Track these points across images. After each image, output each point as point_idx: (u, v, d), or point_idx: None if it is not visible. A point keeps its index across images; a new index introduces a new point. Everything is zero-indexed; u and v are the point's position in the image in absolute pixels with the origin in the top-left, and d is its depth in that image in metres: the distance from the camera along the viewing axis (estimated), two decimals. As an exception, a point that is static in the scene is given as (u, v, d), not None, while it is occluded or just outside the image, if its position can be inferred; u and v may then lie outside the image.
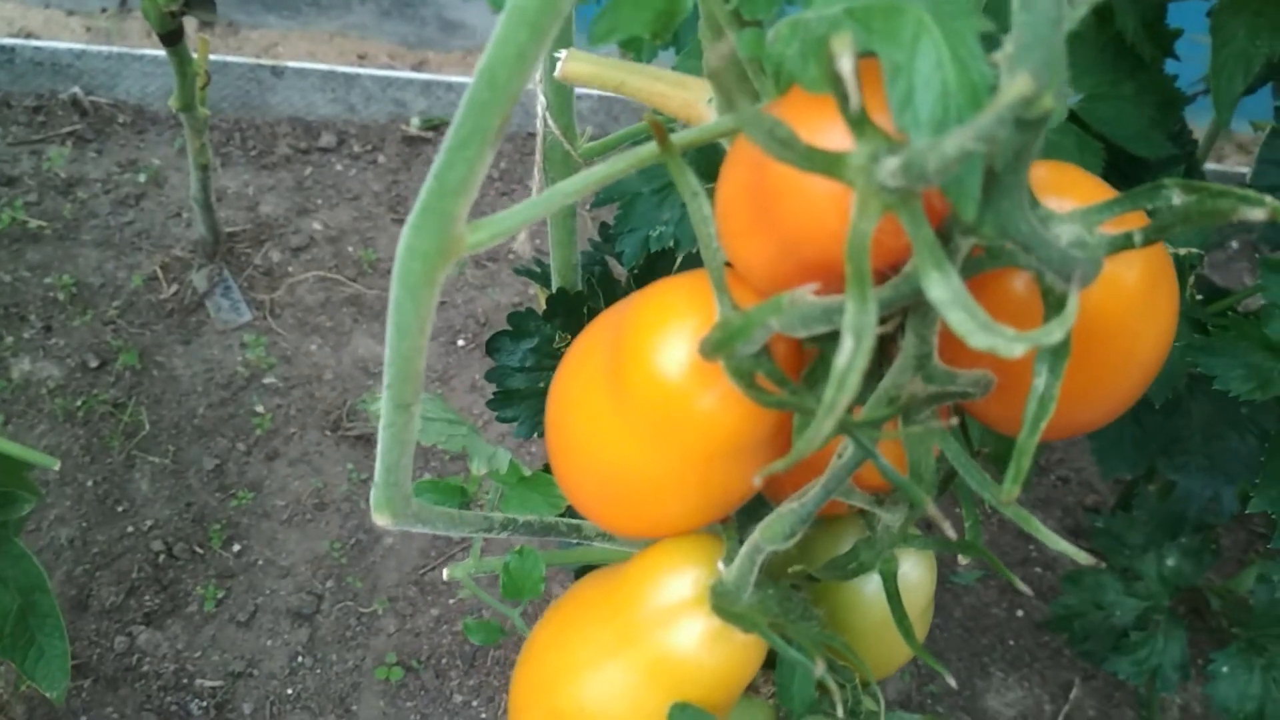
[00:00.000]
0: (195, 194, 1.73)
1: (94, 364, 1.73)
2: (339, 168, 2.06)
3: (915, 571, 0.45)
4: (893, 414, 0.34)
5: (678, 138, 0.34)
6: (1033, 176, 0.34)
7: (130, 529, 1.56)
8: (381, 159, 2.08)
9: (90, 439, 1.65)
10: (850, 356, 0.27)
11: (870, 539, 0.44)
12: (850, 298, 0.27)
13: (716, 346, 0.33)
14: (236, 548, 1.56)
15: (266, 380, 1.75)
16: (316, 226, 1.96)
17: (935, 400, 0.34)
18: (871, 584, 0.46)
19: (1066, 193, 0.34)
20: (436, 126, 2.11)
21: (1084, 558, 0.36)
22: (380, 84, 2.09)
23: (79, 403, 1.68)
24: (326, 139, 2.09)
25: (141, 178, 2.01)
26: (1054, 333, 0.26)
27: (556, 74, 0.44)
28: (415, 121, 2.11)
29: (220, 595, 1.50)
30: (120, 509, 1.58)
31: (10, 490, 0.91)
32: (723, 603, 0.38)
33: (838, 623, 0.47)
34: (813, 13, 0.27)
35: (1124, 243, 0.32)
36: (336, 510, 1.61)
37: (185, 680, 1.42)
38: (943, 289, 0.26)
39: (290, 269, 1.90)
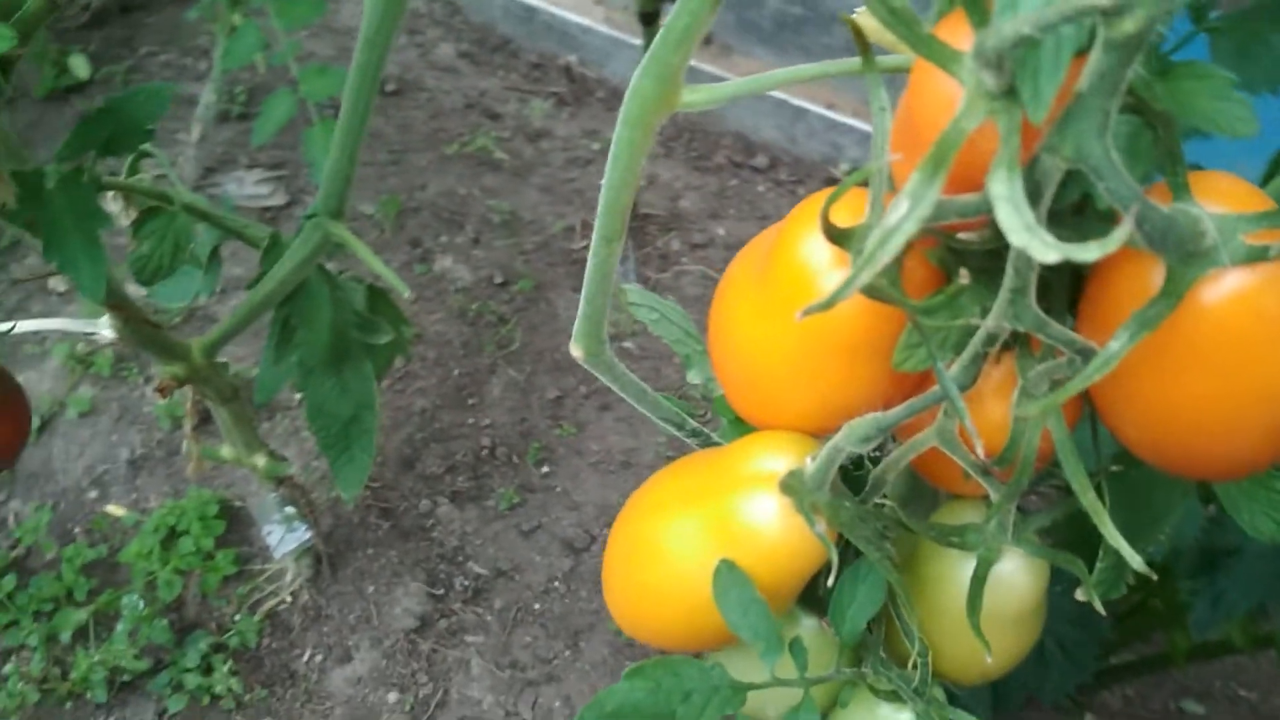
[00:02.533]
0: (628, 165, 1.92)
1: (498, 280, 1.97)
2: (760, 188, 2.20)
3: (1017, 575, 0.46)
4: (984, 350, 0.37)
5: (881, 60, 0.39)
6: (1195, 181, 0.35)
7: (470, 420, 1.77)
8: (802, 191, 2.19)
9: (471, 338, 1.89)
10: (900, 217, 0.30)
11: (984, 526, 0.45)
12: (920, 168, 0.30)
13: (850, 239, 0.37)
14: (545, 470, 1.71)
15: (625, 344, 1.90)
16: (720, 231, 2.10)
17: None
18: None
19: (1219, 198, 0.34)
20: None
21: (1139, 564, 0.36)
22: (824, 124, 2.19)
23: (474, 306, 1.92)
24: (760, 159, 2.23)
25: (595, 146, 2.26)
26: (1090, 250, 0.28)
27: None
28: (844, 167, 2.19)
29: (516, 502, 1.66)
30: (470, 402, 1.80)
31: (379, 321, 1.09)
32: (794, 488, 0.42)
33: (928, 606, 0.48)
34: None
35: (1257, 254, 0.33)
36: (636, 473, 1.72)
37: (460, 558, 1.59)
38: (1002, 185, 0.29)
39: (684, 260, 2.05)
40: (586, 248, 1.92)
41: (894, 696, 0.48)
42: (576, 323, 0.52)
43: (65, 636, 1.40)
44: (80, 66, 2.18)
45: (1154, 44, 0.33)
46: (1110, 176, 0.29)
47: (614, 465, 1.74)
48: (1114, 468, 0.45)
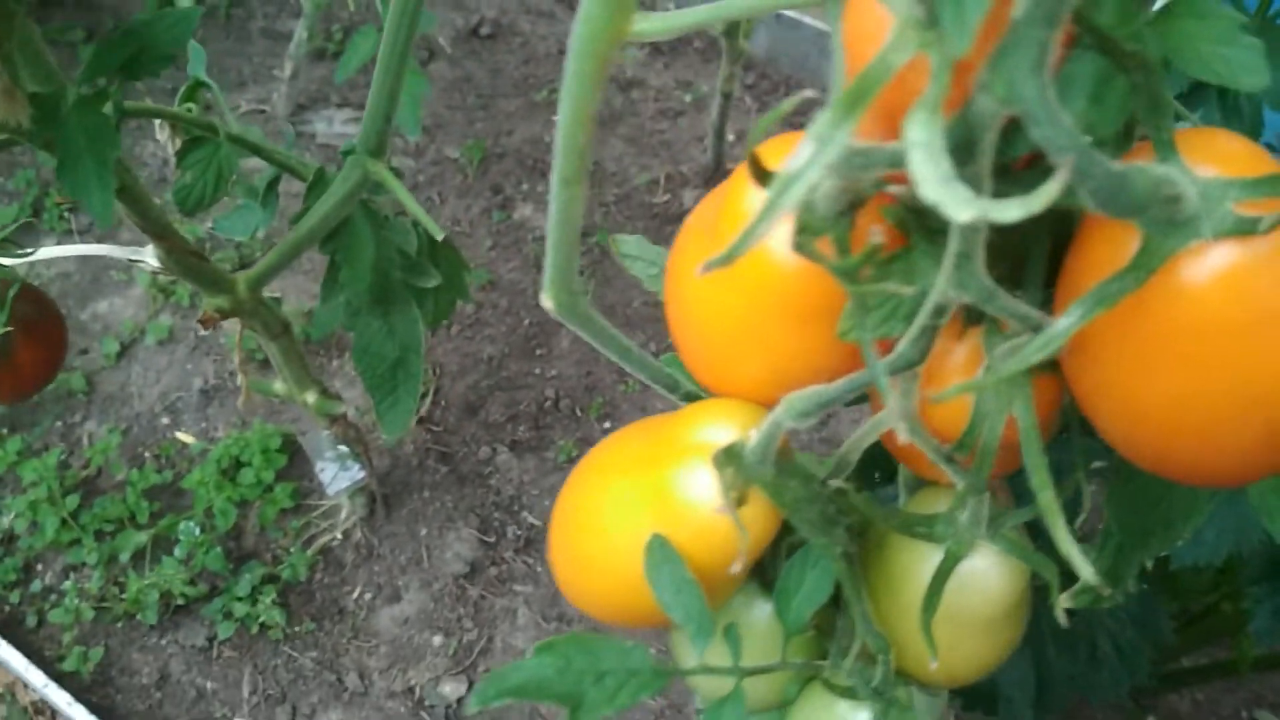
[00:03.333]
0: (713, 119, 1.87)
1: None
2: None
3: (990, 573, 0.41)
4: (934, 323, 0.32)
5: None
6: (1190, 138, 0.30)
7: (537, 370, 1.75)
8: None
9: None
10: (802, 162, 0.26)
11: (956, 518, 0.41)
12: (831, 107, 0.26)
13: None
14: (607, 424, 1.70)
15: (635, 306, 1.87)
16: (809, 190, 2.04)
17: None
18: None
19: (1213, 160, 0.29)
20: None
21: (1088, 572, 0.32)
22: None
23: (550, 256, 1.91)
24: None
25: (688, 98, 2.21)
26: (1010, 209, 0.24)
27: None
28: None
29: (575, 454, 1.64)
30: (538, 352, 1.78)
31: (425, 264, 1.08)
32: (731, 462, 0.38)
33: (896, 599, 0.44)
34: None
35: (1245, 226, 0.28)
36: (699, 434, 1.69)
37: (516, 508, 1.59)
38: (920, 130, 0.25)
39: (768, 218, 2.00)
40: (669, 201, 1.90)
41: (851, 693, 0.44)
42: (545, 271, 0.49)
43: (124, 557, 1.44)
44: None
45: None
46: (1045, 121, 0.24)
47: (677, 425, 1.71)
48: (1096, 463, 0.40)
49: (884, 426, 0.38)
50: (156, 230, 0.93)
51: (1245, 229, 0.28)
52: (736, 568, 0.38)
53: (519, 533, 1.57)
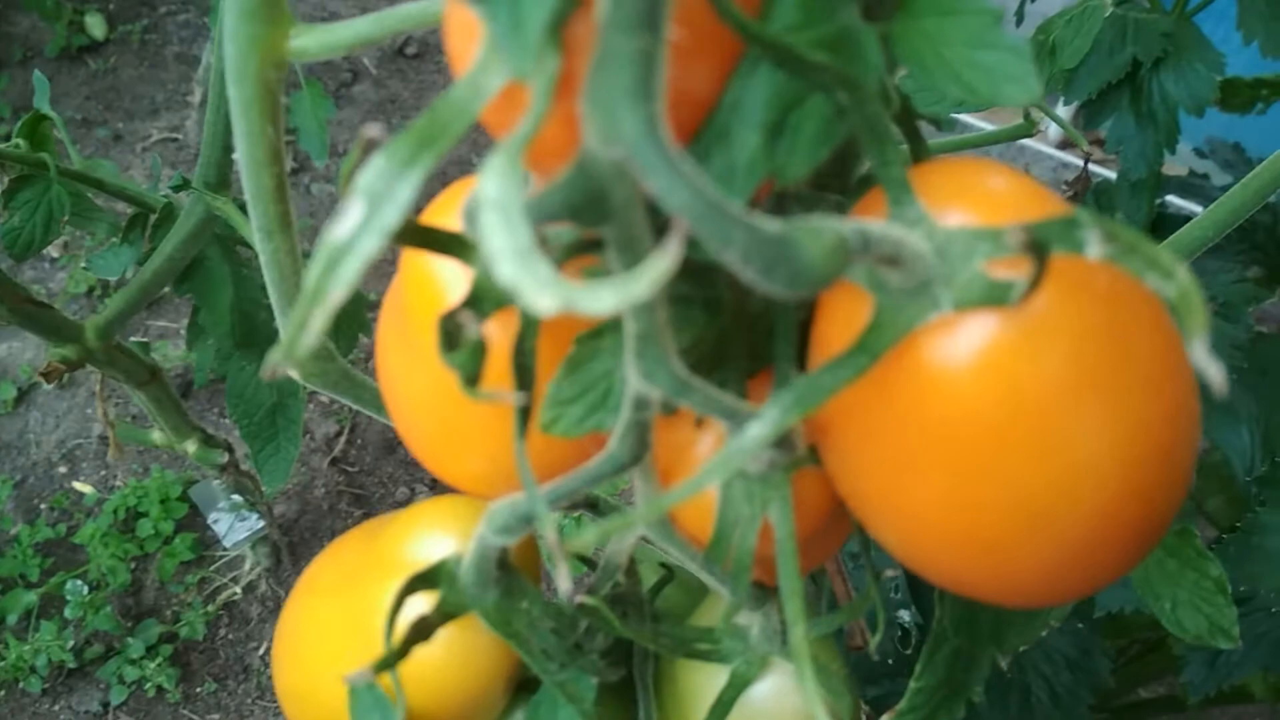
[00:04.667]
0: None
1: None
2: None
3: (782, 698, 0.34)
4: (641, 417, 0.25)
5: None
6: (937, 174, 0.23)
7: (460, 404, 1.67)
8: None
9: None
10: (351, 229, 0.19)
11: (745, 631, 0.34)
12: (389, 150, 0.19)
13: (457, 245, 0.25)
14: (533, 459, 1.62)
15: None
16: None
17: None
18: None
19: (968, 203, 0.22)
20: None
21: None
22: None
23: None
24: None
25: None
26: (601, 298, 0.16)
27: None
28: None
29: (497, 492, 1.57)
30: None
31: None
32: (446, 586, 0.30)
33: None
34: None
35: (995, 295, 0.20)
36: (630, 465, 1.61)
37: (435, 551, 1.50)
38: (494, 184, 0.18)
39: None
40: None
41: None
42: (282, 336, 0.41)
43: (12, 619, 1.35)
44: (96, 25, 2.13)
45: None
46: (653, 165, 0.17)
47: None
48: (890, 573, 0.32)
49: (636, 530, 0.31)
50: (-17, 279, 0.85)
51: (995, 298, 0.20)
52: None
53: (439, 577, 1.48)
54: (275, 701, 1.35)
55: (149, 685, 1.32)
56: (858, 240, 0.19)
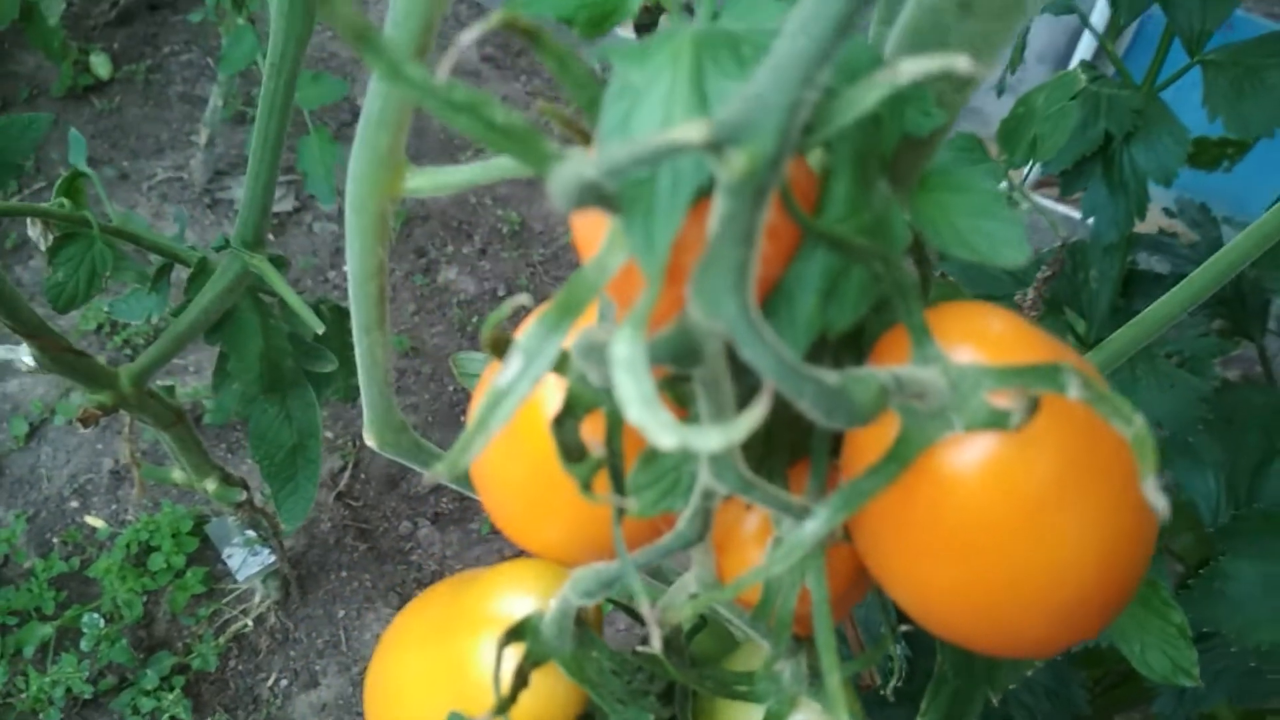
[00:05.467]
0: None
1: (502, 293, 1.93)
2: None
3: (814, 731, 0.39)
4: (707, 505, 0.31)
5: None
6: (949, 317, 0.29)
7: (460, 439, 1.72)
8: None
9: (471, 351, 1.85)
10: (512, 377, 0.24)
11: (778, 675, 0.39)
12: (541, 319, 0.24)
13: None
14: (531, 493, 1.67)
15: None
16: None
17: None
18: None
19: (977, 343, 0.28)
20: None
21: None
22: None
23: (474, 320, 1.89)
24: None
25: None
26: (711, 438, 0.22)
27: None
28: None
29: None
30: (463, 419, 1.75)
31: (322, 349, 1.05)
32: (527, 636, 0.36)
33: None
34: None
35: (997, 420, 0.26)
36: (625, 499, 1.66)
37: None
38: (624, 346, 0.23)
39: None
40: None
41: None
42: (365, 411, 0.47)
43: (29, 651, 1.38)
44: (101, 65, 2.19)
45: (885, 156, 0.27)
46: (747, 341, 0.23)
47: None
48: (904, 628, 0.38)
49: (689, 606, 0.36)
50: (28, 330, 0.90)
51: (996, 423, 0.26)
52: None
53: (441, 609, 1.53)
54: (284, 731, 1.39)
55: (164, 716, 1.36)
56: (893, 383, 0.25)
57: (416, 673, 0.39)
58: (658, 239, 0.23)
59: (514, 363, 0.24)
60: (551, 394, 0.34)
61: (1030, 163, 0.65)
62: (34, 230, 0.94)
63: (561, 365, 0.31)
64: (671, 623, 0.33)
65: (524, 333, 0.24)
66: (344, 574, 1.52)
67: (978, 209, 0.28)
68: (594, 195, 0.22)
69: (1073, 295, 1.01)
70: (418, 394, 1.78)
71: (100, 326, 1.76)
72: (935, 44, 0.28)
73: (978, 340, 0.28)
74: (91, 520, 1.54)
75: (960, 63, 0.20)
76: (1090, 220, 0.90)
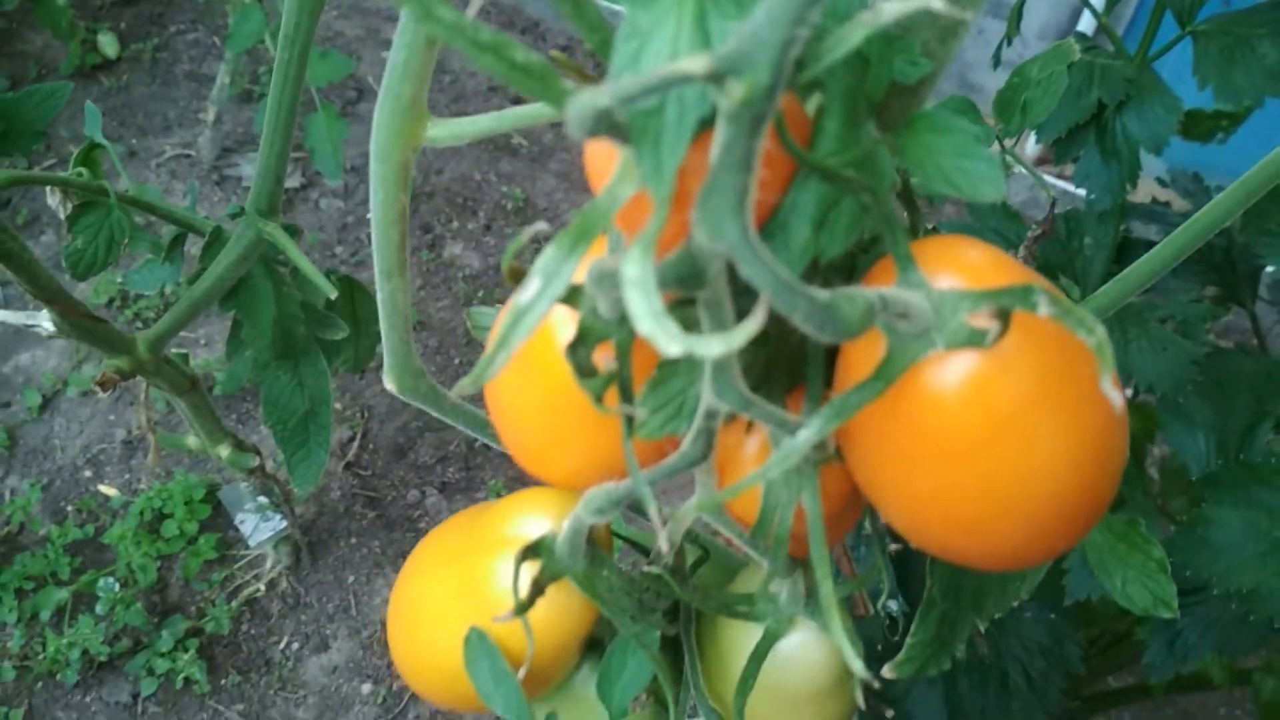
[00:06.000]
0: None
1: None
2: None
3: (810, 649, 0.42)
4: (710, 425, 0.33)
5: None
6: (932, 248, 0.31)
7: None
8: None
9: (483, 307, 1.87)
10: (531, 297, 0.27)
11: (775, 596, 0.42)
12: (556, 242, 0.27)
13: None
14: (537, 463, 1.70)
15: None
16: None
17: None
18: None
19: (956, 271, 0.30)
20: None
21: (857, 666, 0.33)
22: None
23: (480, 294, 1.91)
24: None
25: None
26: (713, 345, 0.25)
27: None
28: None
29: (505, 493, 1.64)
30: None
31: (333, 316, 1.08)
32: (542, 555, 0.39)
33: (730, 675, 0.45)
34: None
35: (975, 339, 0.29)
36: (629, 469, 1.69)
37: (445, 550, 1.58)
38: (633, 267, 0.26)
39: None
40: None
41: (686, 769, 0.45)
42: (385, 357, 0.49)
43: (45, 615, 1.42)
44: (109, 44, 2.21)
45: (874, 91, 0.29)
46: (746, 260, 0.25)
47: (608, 461, 1.71)
48: (893, 546, 0.41)
49: (692, 515, 0.39)
50: (48, 296, 0.92)
51: (974, 341, 0.29)
52: (522, 672, 0.38)
53: (449, 575, 1.56)
54: (295, 692, 1.42)
55: (178, 677, 1.39)
56: (879, 302, 0.28)
57: (438, 593, 0.42)
58: (665, 164, 0.25)
59: (533, 283, 0.27)
60: (563, 329, 0.37)
61: (1023, 129, 0.67)
62: (53, 199, 0.97)
63: (574, 299, 0.34)
64: (678, 530, 0.35)
65: (542, 256, 0.27)
66: (353, 540, 1.55)
67: (959, 149, 0.31)
68: (607, 124, 0.24)
69: (1067, 262, 1.04)
70: (425, 365, 1.80)
71: (111, 300, 1.79)
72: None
73: (958, 268, 0.30)
74: (105, 489, 1.57)
75: (936, 4, 0.23)
76: (1083, 190, 0.93)
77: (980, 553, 0.34)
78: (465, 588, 0.41)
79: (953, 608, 0.46)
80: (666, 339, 0.25)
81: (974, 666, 1.05)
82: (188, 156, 2.06)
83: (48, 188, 0.94)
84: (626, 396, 0.33)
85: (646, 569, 0.40)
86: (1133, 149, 0.90)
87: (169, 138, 2.09)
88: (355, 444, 1.65)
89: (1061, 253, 1.01)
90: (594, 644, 0.46)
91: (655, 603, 0.41)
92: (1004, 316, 0.28)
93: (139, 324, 1.74)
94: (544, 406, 0.39)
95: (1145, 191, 1.27)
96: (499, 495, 1.64)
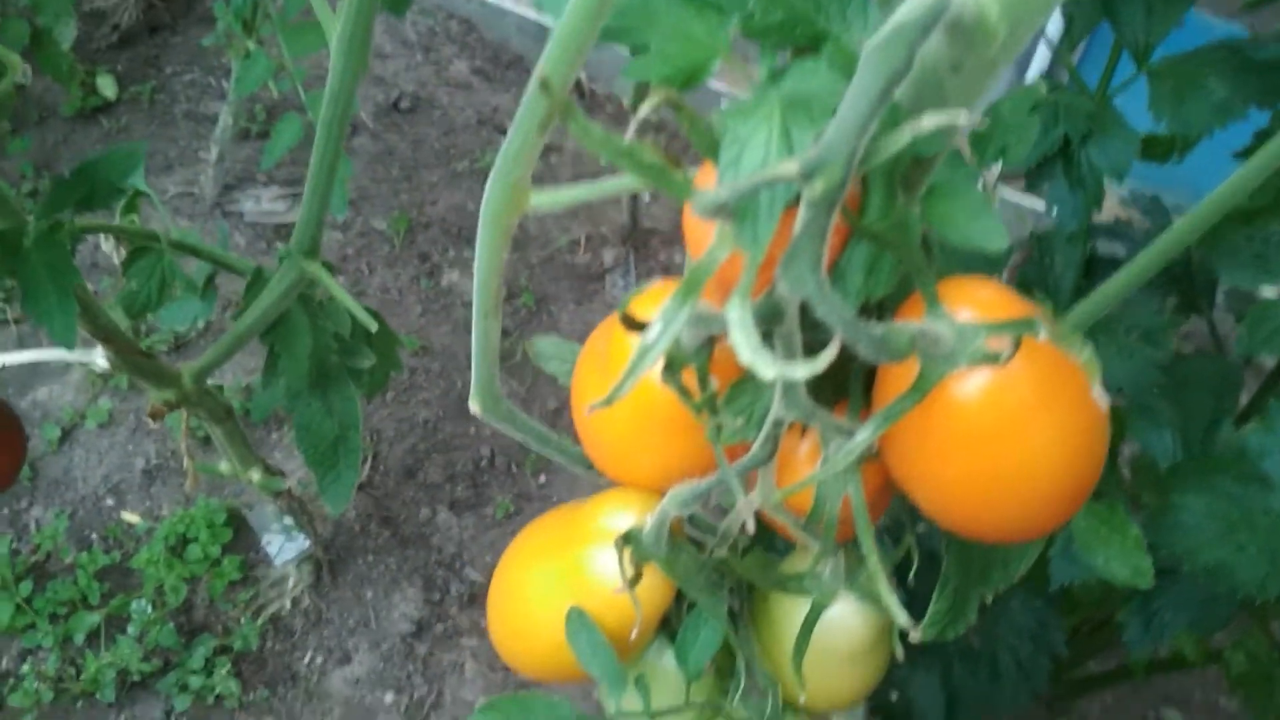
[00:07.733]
0: (628, 182, 1.98)
1: (502, 294, 2.03)
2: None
3: (850, 618, 0.51)
4: (776, 432, 0.42)
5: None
6: (953, 288, 0.40)
7: (472, 430, 1.83)
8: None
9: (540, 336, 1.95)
10: (653, 337, 0.35)
11: (820, 573, 0.50)
12: (674, 295, 0.35)
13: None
14: (542, 479, 1.77)
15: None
16: (722, 243, 2.15)
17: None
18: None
19: (972, 305, 0.39)
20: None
21: (903, 619, 0.41)
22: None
23: (478, 319, 1.99)
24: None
25: (603, 161, 2.30)
26: (799, 369, 0.33)
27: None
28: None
29: (512, 510, 1.72)
30: (468, 413, 1.86)
31: (360, 346, 1.16)
32: (630, 544, 0.47)
33: (783, 642, 0.53)
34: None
35: (990, 358, 0.37)
36: (630, 483, 1.77)
37: (458, 565, 1.66)
38: (735, 311, 0.34)
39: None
40: (591, 261, 1.98)
41: (748, 725, 0.53)
42: (473, 382, 0.58)
43: (79, 638, 1.48)
44: (108, 86, 2.27)
45: (893, 174, 0.38)
46: (822, 304, 0.34)
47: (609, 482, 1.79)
48: (919, 528, 0.49)
49: (755, 507, 0.47)
50: (104, 334, 1.00)
51: (989, 361, 0.37)
52: (634, 634, 0.46)
53: (462, 589, 1.63)
54: (322, 704, 1.49)
55: (209, 694, 1.45)
56: (918, 334, 0.36)
57: (537, 580, 0.50)
58: (761, 237, 0.34)
59: (656, 326, 0.35)
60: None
61: (1002, 167, 0.76)
62: (107, 245, 1.04)
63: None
64: (745, 517, 0.44)
65: (663, 305, 0.35)
66: (370, 558, 1.62)
67: (971, 211, 0.39)
68: (721, 209, 0.33)
69: (1040, 278, 1.13)
70: (429, 389, 1.88)
71: (134, 330, 1.85)
72: (933, 92, 0.39)
73: (974, 303, 0.39)
74: (128, 516, 1.63)
75: (961, 118, 0.31)
76: (1054, 212, 1.02)
77: (993, 526, 0.43)
78: (563, 573, 0.49)
79: (964, 582, 0.54)
80: (765, 366, 0.33)
81: (968, 653, 1.14)
82: (190, 194, 2.13)
83: (102, 235, 1.01)
84: (712, 409, 0.42)
85: (716, 552, 0.49)
86: (1097, 178, 1.00)
87: (171, 176, 2.15)
88: (367, 466, 1.72)
89: (1036, 270, 1.11)
90: (665, 624, 0.54)
91: (721, 581, 0.49)
92: (1013, 341, 0.37)
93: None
94: (630, 422, 0.47)
95: (1110, 210, 1.37)
96: (507, 512, 1.72)
